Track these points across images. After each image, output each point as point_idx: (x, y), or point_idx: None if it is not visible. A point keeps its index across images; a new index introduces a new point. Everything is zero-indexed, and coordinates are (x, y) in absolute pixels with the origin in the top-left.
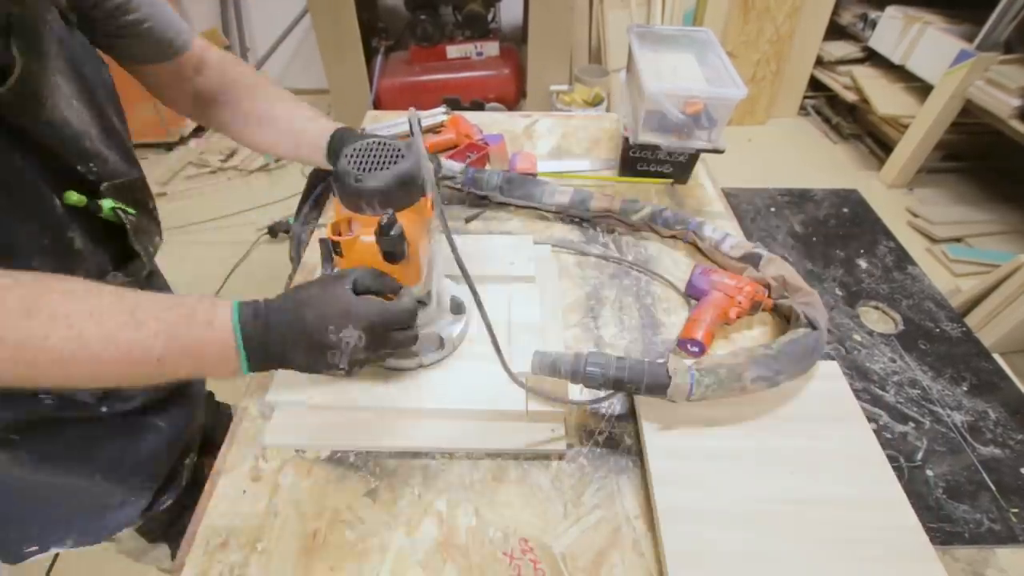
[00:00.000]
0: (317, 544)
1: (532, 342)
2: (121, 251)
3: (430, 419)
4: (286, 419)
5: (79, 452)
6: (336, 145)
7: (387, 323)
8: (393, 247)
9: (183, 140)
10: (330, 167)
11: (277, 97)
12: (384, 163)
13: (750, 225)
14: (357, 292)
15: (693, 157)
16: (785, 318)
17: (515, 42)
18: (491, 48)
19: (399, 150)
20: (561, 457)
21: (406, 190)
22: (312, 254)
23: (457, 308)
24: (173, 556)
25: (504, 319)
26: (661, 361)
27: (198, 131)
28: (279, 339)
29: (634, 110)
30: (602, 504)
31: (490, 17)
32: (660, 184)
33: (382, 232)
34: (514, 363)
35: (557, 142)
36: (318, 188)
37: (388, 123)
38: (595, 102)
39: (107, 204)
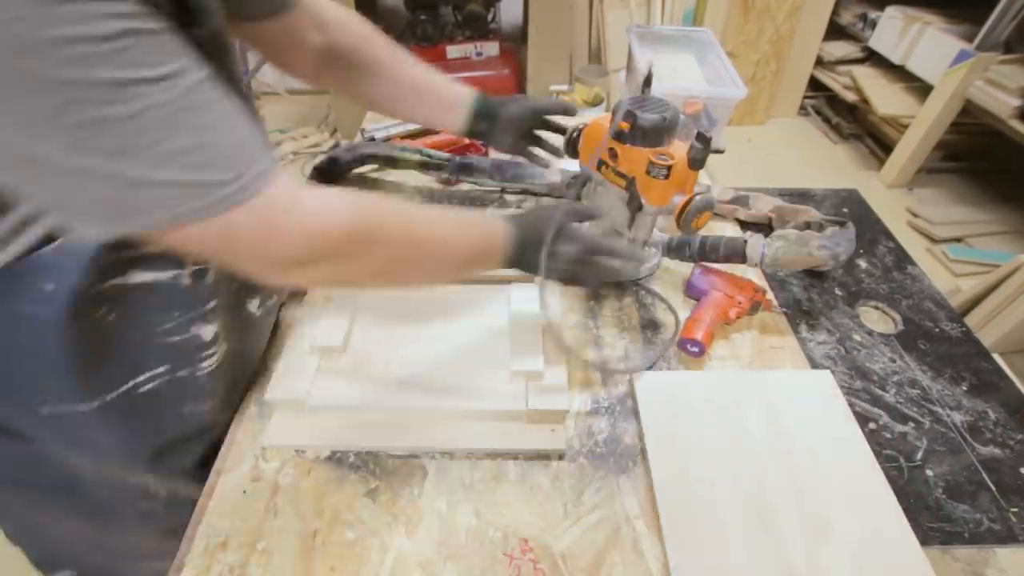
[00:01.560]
0: (317, 544)
1: (532, 342)
2: None
3: (430, 419)
4: (286, 419)
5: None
6: (484, 108)
7: (600, 248)
8: (702, 156)
9: None
10: (464, 133)
11: (409, 58)
12: (658, 109)
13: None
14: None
15: None
16: (806, 225)
17: (515, 42)
18: (491, 48)
19: (665, 102)
20: (561, 457)
21: (672, 129)
22: None
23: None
24: None
25: (504, 319)
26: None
27: None
28: (524, 243)
29: None
30: (602, 504)
31: (490, 17)
32: None
33: (702, 142)
34: (513, 362)
35: (557, 142)
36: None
37: (387, 123)
38: (595, 102)
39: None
